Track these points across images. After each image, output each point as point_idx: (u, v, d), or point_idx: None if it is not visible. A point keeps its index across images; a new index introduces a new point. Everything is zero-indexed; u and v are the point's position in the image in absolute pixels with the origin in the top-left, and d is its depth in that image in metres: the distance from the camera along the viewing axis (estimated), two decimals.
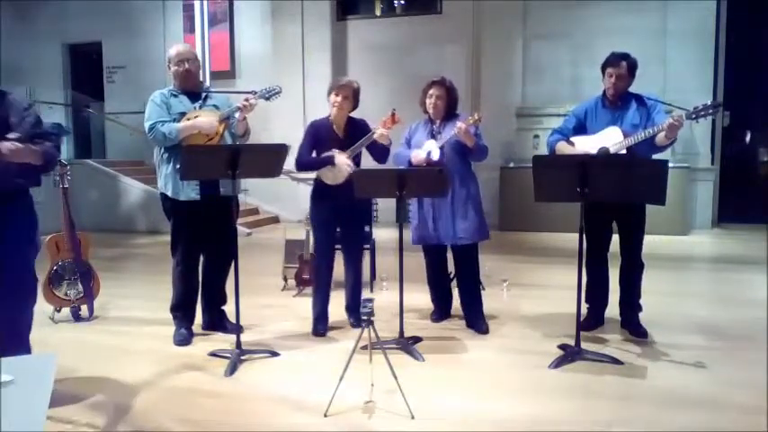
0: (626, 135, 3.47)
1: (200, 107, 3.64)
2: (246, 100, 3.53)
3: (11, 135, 2.46)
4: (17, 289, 2.71)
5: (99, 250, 5.91)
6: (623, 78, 3.57)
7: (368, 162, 3.90)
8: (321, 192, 3.81)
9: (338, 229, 3.90)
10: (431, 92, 3.77)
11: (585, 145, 3.61)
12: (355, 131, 3.77)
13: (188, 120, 3.55)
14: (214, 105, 3.68)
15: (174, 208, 3.64)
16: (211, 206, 3.62)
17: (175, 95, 3.64)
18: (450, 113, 3.81)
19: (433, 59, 9.18)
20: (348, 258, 3.96)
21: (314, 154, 3.78)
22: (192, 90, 3.69)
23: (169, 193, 3.60)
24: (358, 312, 3.90)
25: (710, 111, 3.32)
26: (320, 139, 3.77)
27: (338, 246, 3.97)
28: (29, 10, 11.01)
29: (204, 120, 3.54)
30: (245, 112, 3.55)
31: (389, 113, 3.68)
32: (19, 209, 2.71)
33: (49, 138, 2.62)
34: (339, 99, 3.71)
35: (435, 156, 3.67)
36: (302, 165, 3.77)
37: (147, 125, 3.54)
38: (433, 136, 3.78)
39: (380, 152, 3.79)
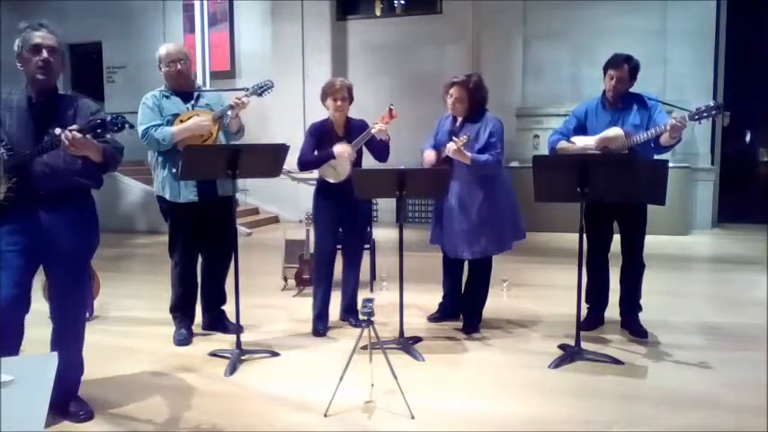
0: (628, 135, 3.47)
1: (193, 107, 3.63)
2: (238, 98, 3.53)
3: (72, 127, 2.37)
4: (75, 292, 2.68)
5: (99, 250, 5.88)
6: (624, 81, 3.56)
7: (369, 162, 3.89)
8: (324, 191, 3.81)
9: (340, 229, 3.90)
10: (450, 91, 3.64)
11: (587, 144, 3.60)
12: (355, 130, 3.78)
13: (181, 121, 3.54)
14: (207, 105, 3.67)
15: (172, 210, 3.63)
16: (209, 207, 3.61)
17: (167, 96, 3.62)
18: (474, 112, 3.66)
19: (433, 59, 9.19)
20: (349, 259, 3.96)
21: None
22: (185, 90, 3.67)
23: (167, 197, 3.60)
24: (356, 312, 3.93)
25: (713, 112, 3.32)
26: (322, 139, 3.76)
27: (338, 246, 3.97)
28: (29, 10, 11.00)
29: (197, 121, 3.51)
30: (237, 110, 3.55)
31: (387, 109, 3.69)
32: (81, 209, 2.66)
33: (111, 139, 2.55)
34: (339, 103, 3.71)
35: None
36: (304, 163, 3.77)
37: (140, 129, 3.51)
38: (450, 136, 3.68)
39: (381, 150, 3.77)
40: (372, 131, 3.66)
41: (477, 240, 3.63)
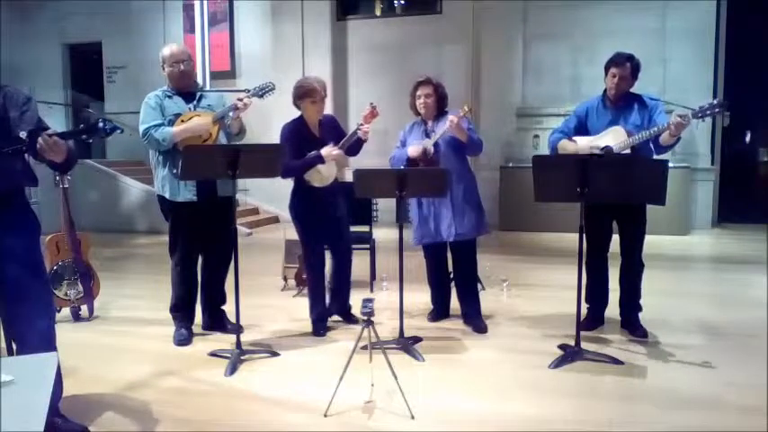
0: (629, 134, 3.47)
1: (195, 108, 3.63)
2: (240, 99, 3.52)
3: (50, 131, 2.24)
4: (35, 295, 2.46)
5: (99, 250, 5.91)
6: (626, 79, 3.56)
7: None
8: (305, 195, 3.74)
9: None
10: (418, 92, 3.77)
11: (588, 144, 3.61)
12: (329, 128, 3.78)
13: (182, 121, 3.54)
14: (208, 105, 3.67)
15: (172, 209, 3.64)
16: (209, 207, 3.62)
17: (170, 96, 3.63)
18: (441, 111, 3.80)
19: (433, 59, 9.19)
20: (337, 261, 3.91)
21: None
22: (187, 90, 3.68)
23: (167, 195, 3.60)
24: (348, 315, 3.94)
25: (716, 109, 3.31)
26: (299, 142, 3.69)
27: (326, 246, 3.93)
28: (29, 10, 11.00)
29: (197, 122, 3.52)
30: (239, 112, 3.54)
31: (369, 108, 3.67)
32: (22, 209, 2.49)
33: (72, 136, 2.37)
34: (319, 105, 3.68)
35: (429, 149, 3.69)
36: (291, 170, 3.67)
37: (141, 129, 3.53)
38: (427, 135, 3.78)
39: (355, 147, 3.77)
40: (359, 134, 3.64)
41: (463, 221, 3.72)
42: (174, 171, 3.53)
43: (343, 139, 3.69)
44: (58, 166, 2.41)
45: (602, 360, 3.24)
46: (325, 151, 3.63)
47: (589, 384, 3.00)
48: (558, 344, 3.48)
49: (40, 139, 2.21)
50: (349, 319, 3.97)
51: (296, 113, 3.81)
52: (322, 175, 3.68)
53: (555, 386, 2.97)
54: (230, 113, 3.55)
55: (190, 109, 3.62)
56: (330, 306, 3.99)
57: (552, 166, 3.34)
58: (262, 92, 3.62)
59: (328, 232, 3.82)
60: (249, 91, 3.60)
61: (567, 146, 3.67)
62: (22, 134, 2.25)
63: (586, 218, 3.32)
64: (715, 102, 3.35)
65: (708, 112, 3.31)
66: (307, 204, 3.76)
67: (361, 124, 3.64)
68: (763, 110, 8.88)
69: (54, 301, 2.71)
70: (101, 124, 2.26)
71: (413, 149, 3.74)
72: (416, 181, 3.42)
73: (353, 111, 9.51)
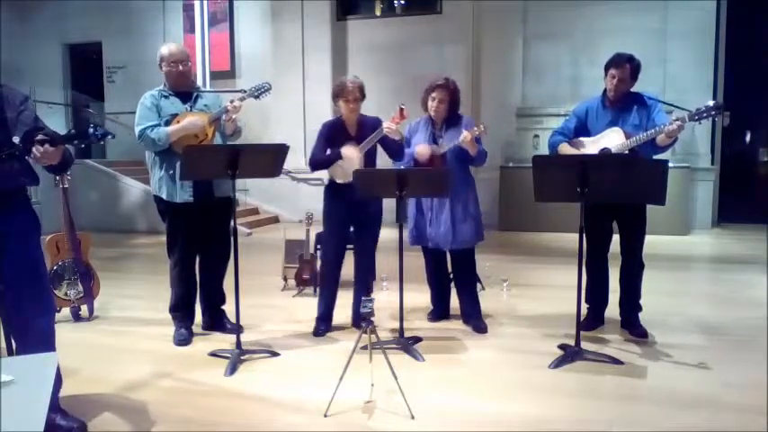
0: (628, 136, 3.47)
1: (191, 108, 3.63)
2: (231, 102, 3.50)
3: (40, 137, 2.21)
4: (35, 294, 2.45)
5: (99, 250, 5.90)
6: (625, 81, 3.55)
7: (385, 161, 3.89)
8: (334, 191, 3.77)
9: (351, 228, 3.86)
10: (434, 95, 3.73)
11: (587, 146, 3.61)
12: (367, 129, 3.73)
13: (178, 122, 3.53)
14: (205, 105, 3.67)
15: (169, 210, 3.64)
16: (206, 207, 3.62)
17: (166, 96, 3.62)
18: (452, 116, 3.78)
19: (433, 59, 9.19)
20: (361, 260, 3.89)
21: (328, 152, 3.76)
22: (184, 90, 3.67)
23: (164, 196, 3.60)
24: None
25: (713, 112, 3.30)
26: (333, 138, 3.73)
27: (350, 246, 3.93)
28: (29, 10, 11.01)
29: (191, 120, 3.51)
30: (231, 114, 3.52)
31: (398, 109, 3.62)
32: (23, 208, 2.48)
33: (65, 140, 2.31)
34: (352, 105, 3.66)
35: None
36: (314, 164, 3.77)
37: (136, 130, 3.52)
38: (434, 140, 3.77)
39: (393, 149, 3.74)
40: (384, 132, 3.63)
41: (462, 230, 3.73)
42: (171, 172, 3.53)
43: (367, 139, 3.67)
44: (55, 168, 2.42)
45: (602, 360, 3.25)
46: (344, 150, 3.65)
47: (589, 384, 3.00)
48: (558, 344, 3.49)
49: (34, 150, 2.20)
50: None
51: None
52: (344, 171, 3.67)
53: (555, 386, 2.97)
54: (224, 115, 3.54)
55: (186, 109, 3.61)
56: (354, 317, 3.92)
57: (552, 166, 3.34)
58: (257, 92, 3.61)
59: (354, 232, 3.84)
60: (245, 92, 3.60)
61: (566, 150, 3.66)
62: (15, 139, 2.24)
63: (586, 218, 3.32)
64: (711, 104, 3.33)
65: (704, 114, 3.30)
66: (331, 201, 3.79)
67: (386, 124, 3.60)
68: (763, 110, 8.89)
69: (54, 300, 2.69)
70: (91, 130, 2.22)
71: (422, 149, 3.71)
72: (416, 181, 3.42)
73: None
